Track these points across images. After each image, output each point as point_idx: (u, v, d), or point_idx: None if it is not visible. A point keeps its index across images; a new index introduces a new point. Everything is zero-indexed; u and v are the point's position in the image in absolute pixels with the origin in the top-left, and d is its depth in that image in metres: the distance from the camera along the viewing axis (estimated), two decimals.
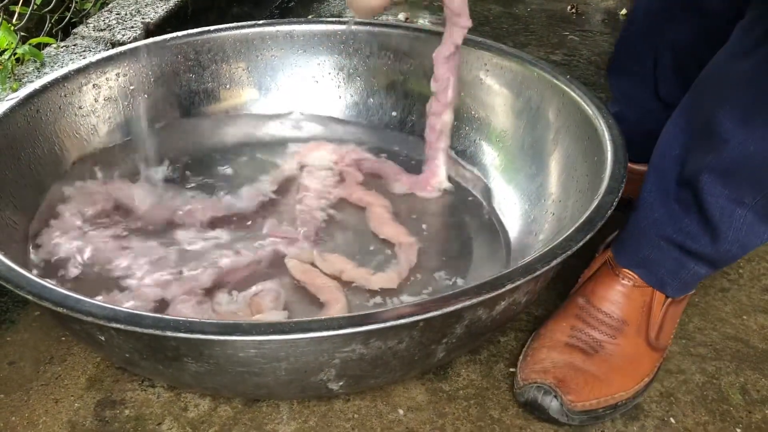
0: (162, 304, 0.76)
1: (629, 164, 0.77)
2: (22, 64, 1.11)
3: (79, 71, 0.93)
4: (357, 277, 0.81)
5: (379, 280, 0.81)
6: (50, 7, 1.22)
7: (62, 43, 1.16)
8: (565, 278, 0.85)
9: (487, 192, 0.96)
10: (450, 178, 0.98)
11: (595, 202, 0.72)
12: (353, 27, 1.03)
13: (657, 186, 0.78)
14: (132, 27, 1.20)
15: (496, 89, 0.99)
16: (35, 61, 1.10)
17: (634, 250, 0.78)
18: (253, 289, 0.78)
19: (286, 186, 0.96)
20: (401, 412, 0.73)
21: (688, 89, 0.82)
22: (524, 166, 0.94)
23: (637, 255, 0.78)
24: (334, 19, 1.10)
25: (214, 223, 0.88)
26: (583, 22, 1.69)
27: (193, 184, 0.95)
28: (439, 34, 1.02)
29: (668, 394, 0.77)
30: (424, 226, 0.91)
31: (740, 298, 0.90)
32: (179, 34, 1.01)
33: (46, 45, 1.15)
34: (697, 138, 0.74)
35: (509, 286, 0.62)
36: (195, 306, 0.75)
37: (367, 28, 1.06)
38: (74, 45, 1.16)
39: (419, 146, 1.03)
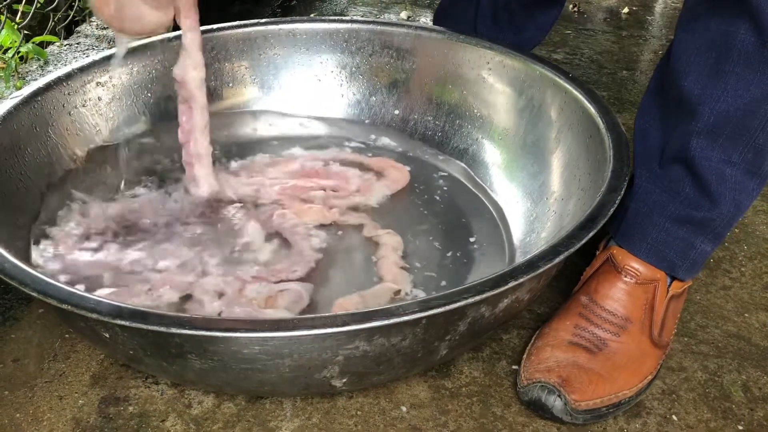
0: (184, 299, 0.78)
1: None
2: (25, 62, 1.12)
3: (83, 69, 0.93)
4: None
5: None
6: (54, 5, 1.22)
7: (66, 42, 1.17)
8: (567, 276, 0.86)
9: (489, 190, 0.96)
10: (450, 176, 0.98)
11: (597, 200, 0.72)
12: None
13: (647, 172, 0.80)
14: None
15: (499, 87, 0.99)
16: (39, 60, 1.11)
17: (640, 238, 0.79)
18: (281, 285, 0.79)
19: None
20: (404, 409, 0.74)
21: (500, 27, 1.04)
22: (526, 165, 0.94)
23: (644, 242, 0.78)
24: (336, 17, 1.10)
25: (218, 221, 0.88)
26: (585, 20, 1.69)
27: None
28: (442, 32, 1.03)
29: (670, 392, 0.77)
30: (425, 225, 0.91)
31: (742, 296, 0.90)
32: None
33: (50, 43, 1.15)
34: (673, 115, 0.77)
35: (512, 284, 0.62)
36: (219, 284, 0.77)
37: (370, 26, 1.07)
38: (77, 43, 1.16)
39: (422, 144, 1.04)
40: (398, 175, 0.99)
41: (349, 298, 0.78)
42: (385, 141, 1.05)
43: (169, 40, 1.00)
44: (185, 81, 0.82)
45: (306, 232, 0.87)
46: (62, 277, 0.78)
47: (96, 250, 0.83)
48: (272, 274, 0.81)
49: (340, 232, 0.89)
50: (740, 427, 0.74)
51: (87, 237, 0.84)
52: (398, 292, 0.80)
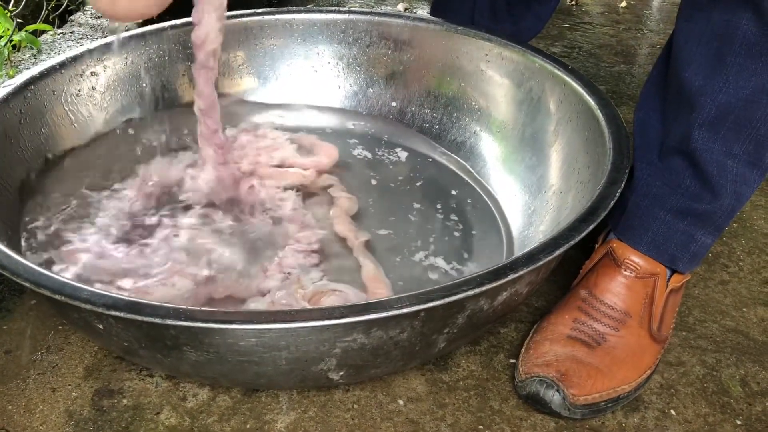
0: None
1: None
2: (18, 50, 1.10)
3: (77, 58, 0.92)
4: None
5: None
6: None
7: (59, 30, 1.15)
8: (565, 270, 0.85)
9: (487, 183, 0.95)
10: (447, 169, 0.97)
11: (598, 192, 0.71)
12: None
13: (647, 164, 0.79)
14: None
15: (497, 79, 0.99)
16: (32, 48, 1.09)
17: (641, 231, 0.78)
18: (335, 285, 0.76)
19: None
20: (401, 402, 0.73)
21: (498, 18, 1.03)
22: (525, 157, 0.93)
23: (645, 235, 0.78)
24: (333, 8, 1.09)
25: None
26: (583, 14, 1.69)
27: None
28: (440, 23, 1.02)
29: (668, 386, 0.77)
30: (421, 217, 0.90)
31: (740, 291, 0.90)
32: (177, 22, 1.00)
33: (43, 32, 1.14)
34: (675, 105, 0.77)
35: (512, 276, 0.62)
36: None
37: (367, 17, 1.06)
38: (71, 32, 1.15)
39: (419, 137, 1.03)
40: (325, 155, 0.99)
41: (377, 278, 0.79)
42: (382, 133, 1.04)
43: (164, 29, 0.99)
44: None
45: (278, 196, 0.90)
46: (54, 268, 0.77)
47: (95, 243, 0.81)
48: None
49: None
50: (738, 422, 0.73)
51: (84, 229, 0.83)
52: (368, 241, 0.84)
